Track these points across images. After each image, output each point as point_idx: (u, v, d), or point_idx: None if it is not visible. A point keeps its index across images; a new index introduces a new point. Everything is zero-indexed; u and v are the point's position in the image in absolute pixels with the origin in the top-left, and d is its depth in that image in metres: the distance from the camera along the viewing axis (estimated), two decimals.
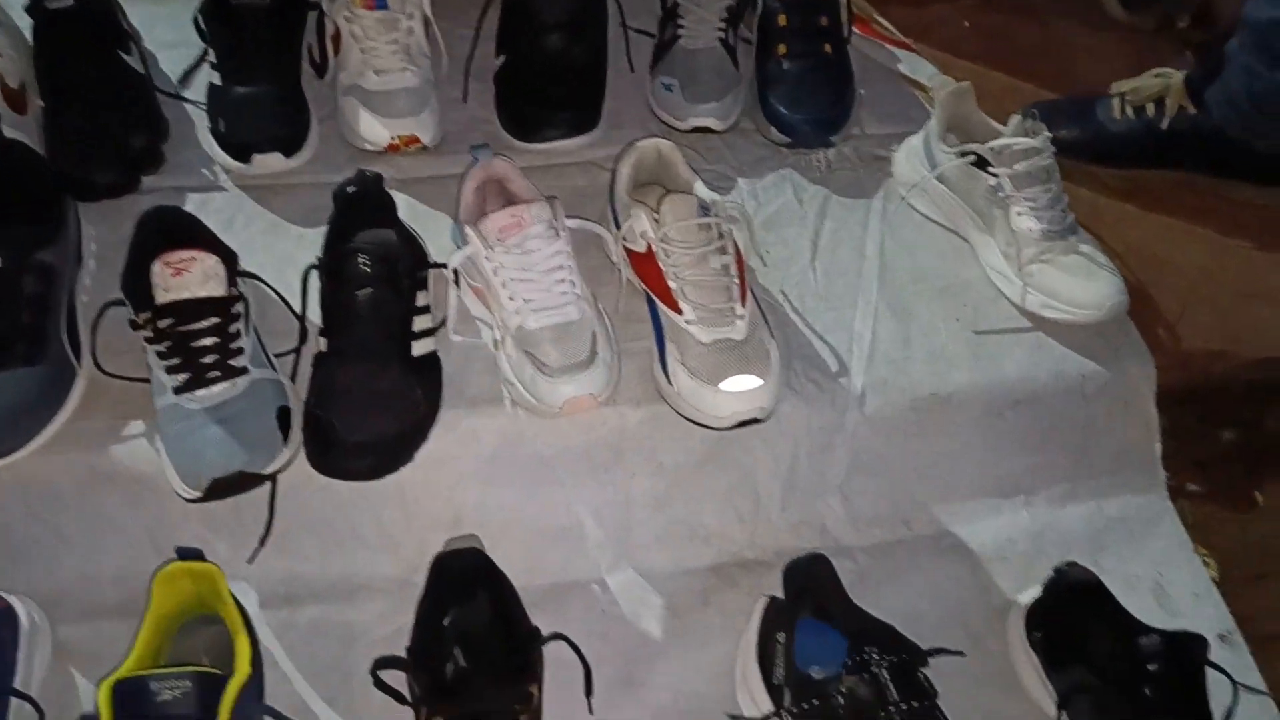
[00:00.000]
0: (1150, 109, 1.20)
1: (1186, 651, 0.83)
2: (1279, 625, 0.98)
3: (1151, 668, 0.82)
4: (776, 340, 0.95)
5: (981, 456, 1.02)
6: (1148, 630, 0.84)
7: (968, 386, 1.00)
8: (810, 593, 0.88)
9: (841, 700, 0.79)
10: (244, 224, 1.06)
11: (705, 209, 0.96)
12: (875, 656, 0.80)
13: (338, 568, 0.93)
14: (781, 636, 0.85)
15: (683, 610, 0.94)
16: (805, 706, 0.80)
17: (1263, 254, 1.18)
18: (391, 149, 1.11)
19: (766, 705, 0.84)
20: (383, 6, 1.11)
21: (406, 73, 1.11)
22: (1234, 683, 0.85)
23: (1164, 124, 1.19)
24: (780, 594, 0.90)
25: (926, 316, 1.05)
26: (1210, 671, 0.84)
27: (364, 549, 0.94)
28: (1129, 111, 1.21)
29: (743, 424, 0.92)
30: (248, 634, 0.81)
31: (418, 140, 1.11)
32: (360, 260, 0.91)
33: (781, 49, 1.17)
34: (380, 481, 0.91)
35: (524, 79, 1.15)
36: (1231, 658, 0.94)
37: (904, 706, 0.77)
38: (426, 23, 1.13)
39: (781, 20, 1.17)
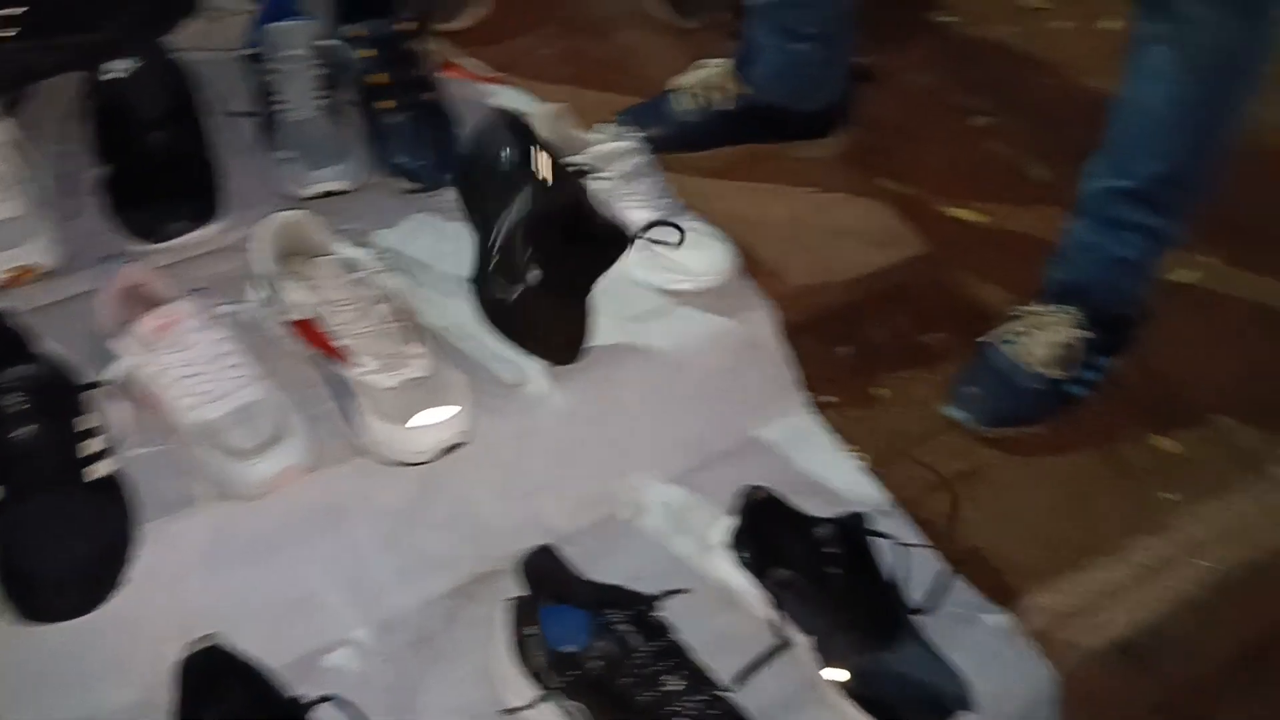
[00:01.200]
0: (711, 96, 1.39)
1: (853, 529, 0.99)
2: (916, 490, 1.16)
3: (831, 551, 0.97)
4: (459, 367, 1.01)
5: (658, 422, 1.14)
6: (822, 521, 1.00)
7: (633, 367, 1.11)
8: (545, 582, 0.96)
9: (599, 662, 0.87)
10: None
11: (354, 266, 1.01)
12: (615, 616, 0.89)
13: (69, 714, 0.89)
14: (531, 629, 0.92)
15: (433, 637, 0.98)
16: (569, 680, 0.88)
17: (829, 195, 1.41)
18: (10, 283, 1.06)
19: (532, 693, 0.91)
20: None
21: (4, 204, 1.06)
22: (897, 543, 1.02)
23: (723, 106, 1.39)
24: (519, 593, 0.97)
25: None
26: (880, 540, 1.00)
27: (94, 686, 0.90)
28: (695, 102, 1.39)
29: (449, 450, 0.98)
30: None
31: (35, 269, 1.07)
32: (9, 401, 0.87)
33: (386, 104, 1.24)
34: (96, 613, 0.88)
35: (133, 182, 1.13)
36: (896, 525, 1.09)
37: (649, 648, 0.87)
38: (15, 147, 1.09)
39: (377, 79, 1.24)
